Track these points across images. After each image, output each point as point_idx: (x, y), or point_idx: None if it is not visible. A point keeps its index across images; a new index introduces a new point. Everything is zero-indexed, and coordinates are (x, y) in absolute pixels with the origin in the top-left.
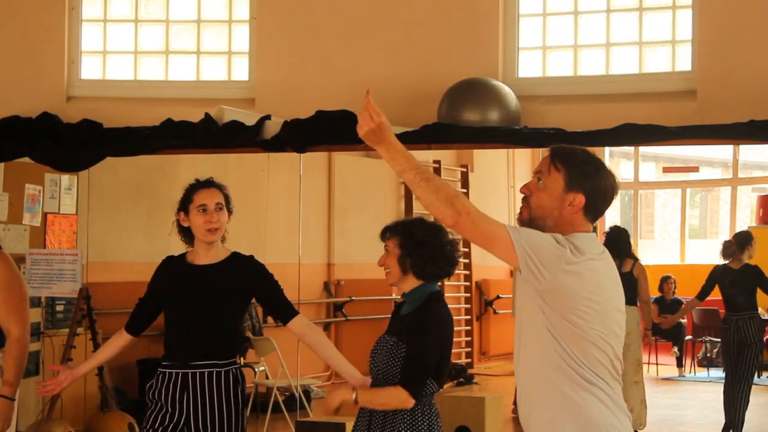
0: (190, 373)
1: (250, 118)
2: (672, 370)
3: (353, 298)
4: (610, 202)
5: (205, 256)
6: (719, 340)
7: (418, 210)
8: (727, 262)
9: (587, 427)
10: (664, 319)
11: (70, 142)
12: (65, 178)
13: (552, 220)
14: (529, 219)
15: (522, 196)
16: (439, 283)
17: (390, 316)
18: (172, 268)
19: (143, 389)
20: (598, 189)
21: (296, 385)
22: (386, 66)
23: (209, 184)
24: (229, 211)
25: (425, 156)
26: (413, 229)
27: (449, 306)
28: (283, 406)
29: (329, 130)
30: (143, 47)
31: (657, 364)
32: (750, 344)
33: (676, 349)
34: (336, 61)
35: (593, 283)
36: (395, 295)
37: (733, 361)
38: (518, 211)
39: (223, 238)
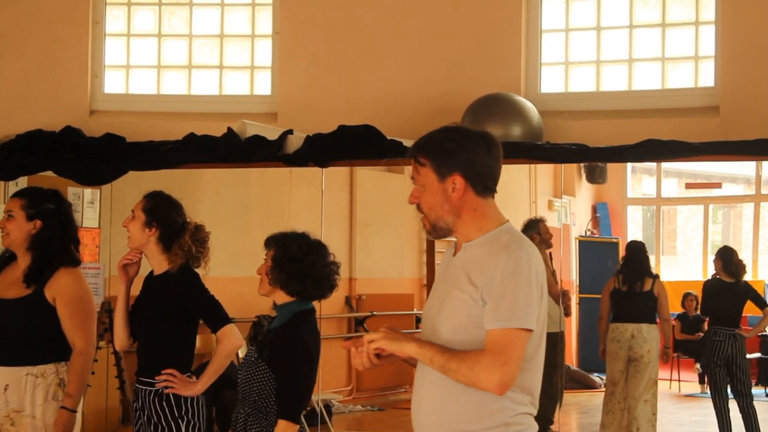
0: (138, 389)
1: (272, 133)
2: (694, 387)
3: (374, 312)
4: (497, 162)
5: (154, 266)
6: None
7: None
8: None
9: None
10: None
11: (93, 155)
12: (88, 192)
13: (450, 215)
14: (432, 227)
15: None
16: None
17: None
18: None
19: None
20: (471, 160)
21: (317, 399)
22: (408, 81)
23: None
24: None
25: None
26: (289, 242)
27: None
28: (303, 421)
29: (351, 145)
30: (166, 61)
31: (679, 380)
32: (742, 360)
33: (698, 365)
34: (358, 76)
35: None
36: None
37: (721, 379)
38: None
39: (192, 259)
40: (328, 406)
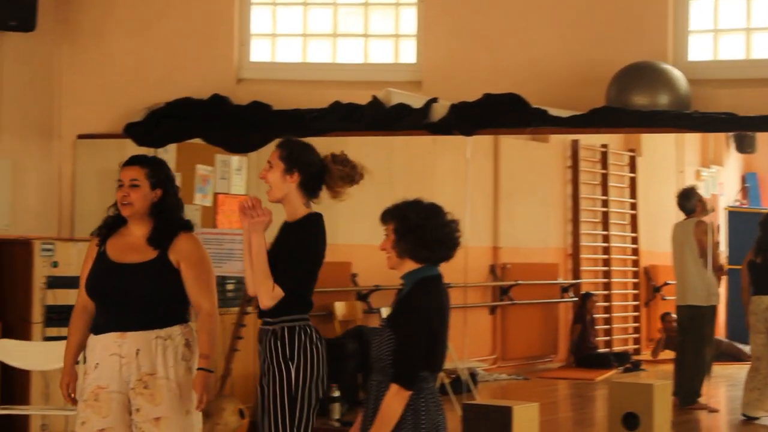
0: (261, 330)
1: (417, 101)
2: None
3: (519, 281)
4: None
5: (289, 214)
6: None
7: (584, 194)
8: None
9: None
10: None
11: (240, 123)
12: (235, 159)
13: None
14: None
15: None
16: (611, 269)
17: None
18: None
19: None
20: None
21: (462, 367)
22: (554, 48)
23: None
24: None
25: (592, 140)
26: (407, 212)
27: (617, 292)
28: (449, 389)
29: (497, 114)
30: (312, 30)
31: None
32: None
33: None
34: (503, 44)
35: None
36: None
37: None
38: None
39: (347, 179)
40: (472, 374)
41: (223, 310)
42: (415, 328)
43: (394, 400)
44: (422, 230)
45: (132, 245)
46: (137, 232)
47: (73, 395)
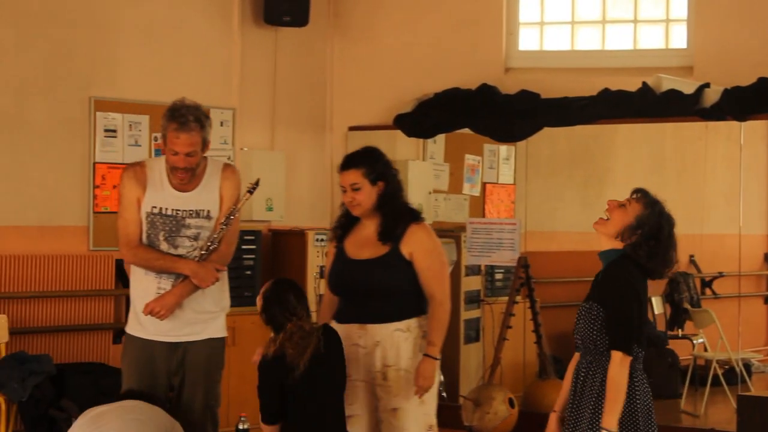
0: None
1: (688, 87)
2: None
3: None
4: None
5: None
6: None
7: None
8: None
9: None
10: None
11: (508, 113)
12: (503, 149)
13: None
14: None
15: None
16: None
17: None
18: None
19: None
20: None
21: (736, 358)
22: None
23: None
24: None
25: None
26: (663, 221)
27: None
28: (722, 380)
29: None
30: (580, 17)
31: None
32: None
33: None
34: None
35: None
36: None
37: None
38: None
39: None
40: (747, 365)
41: (492, 300)
42: (625, 297)
43: (621, 368)
44: (657, 248)
45: (366, 241)
46: (370, 227)
47: None
